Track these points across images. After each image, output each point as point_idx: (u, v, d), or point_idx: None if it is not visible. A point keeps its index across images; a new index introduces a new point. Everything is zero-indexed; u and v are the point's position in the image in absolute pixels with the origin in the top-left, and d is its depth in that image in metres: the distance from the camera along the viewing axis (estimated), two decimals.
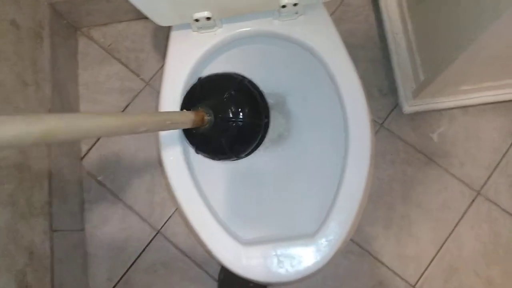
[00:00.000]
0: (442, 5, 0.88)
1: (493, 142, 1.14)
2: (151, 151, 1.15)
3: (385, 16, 1.11)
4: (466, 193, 1.12)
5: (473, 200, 1.11)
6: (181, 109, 0.74)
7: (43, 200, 0.93)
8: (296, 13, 0.78)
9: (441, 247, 1.09)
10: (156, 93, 1.19)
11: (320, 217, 0.71)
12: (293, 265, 0.68)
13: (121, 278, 1.10)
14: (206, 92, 0.76)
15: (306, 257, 0.68)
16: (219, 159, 0.78)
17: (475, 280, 1.08)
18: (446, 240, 1.09)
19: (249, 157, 0.80)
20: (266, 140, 0.83)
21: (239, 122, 0.73)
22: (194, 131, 0.72)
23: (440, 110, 1.14)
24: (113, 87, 1.19)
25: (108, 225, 1.12)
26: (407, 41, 1.07)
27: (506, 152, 1.13)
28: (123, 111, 1.18)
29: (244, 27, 0.80)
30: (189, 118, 0.63)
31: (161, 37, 1.23)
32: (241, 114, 0.73)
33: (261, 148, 0.82)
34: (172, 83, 0.77)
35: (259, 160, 0.81)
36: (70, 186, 1.08)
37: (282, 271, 0.68)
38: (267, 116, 0.78)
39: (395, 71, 1.09)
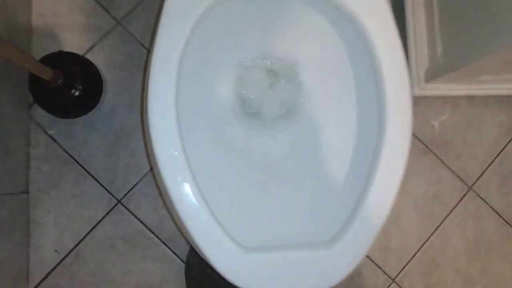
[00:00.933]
0: None
1: (492, 137, 1.08)
2: (117, 104, 0.96)
3: None
4: (458, 187, 1.06)
5: (463, 196, 1.06)
6: (40, 61, 0.86)
7: None
8: None
9: (425, 242, 1.04)
10: (129, 36, 0.97)
11: (338, 220, 0.59)
12: (304, 280, 0.56)
13: (70, 251, 0.93)
14: (63, 60, 0.91)
15: (319, 270, 0.57)
16: (56, 115, 0.93)
17: (454, 276, 1.05)
18: (431, 234, 1.05)
19: (253, 139, 0.65)
20: (270, 118, 0.69)
21: (76, 92, 0.89)
22: (44, 88, 0.87)
23: (446, 97, 1.04)
24: (76, 22, 0.95)
25: (58, 189, 0.94)
26: (428, 16, 0.94)
27: (503, 149, 1.08)
28: (86, 52, 0.96)
29: None
30: (49, 73, 0.81)
31: None
32: (79, 87, 0.89)
33: (266, 127, 0.67)
34: (170, 33, 0.58)
35: (264, 143, 0.66)
36: (13, 139, 0.87)
37: (290, 286, 0.56)
38: (98, 97, 0.95)
39: (409, 49, 0.96)
